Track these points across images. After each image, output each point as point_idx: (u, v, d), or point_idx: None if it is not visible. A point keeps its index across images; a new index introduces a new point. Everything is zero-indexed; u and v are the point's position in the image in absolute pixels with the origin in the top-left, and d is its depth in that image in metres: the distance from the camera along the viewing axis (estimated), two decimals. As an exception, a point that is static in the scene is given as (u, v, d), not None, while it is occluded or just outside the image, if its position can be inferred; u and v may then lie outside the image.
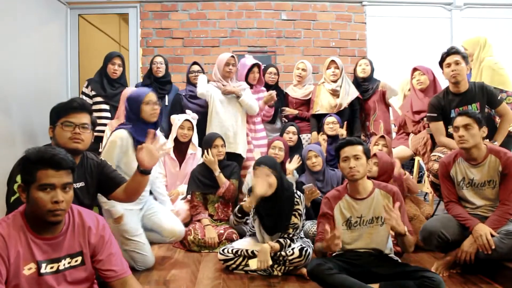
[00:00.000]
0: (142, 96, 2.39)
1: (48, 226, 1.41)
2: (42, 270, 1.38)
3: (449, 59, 2.72)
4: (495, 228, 2.15)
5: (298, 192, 2.47)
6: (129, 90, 3.23)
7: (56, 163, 1.37)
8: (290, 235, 2.37)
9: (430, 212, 2.90)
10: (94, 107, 3.32)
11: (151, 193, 2.81)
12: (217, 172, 2.91)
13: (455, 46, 2.89)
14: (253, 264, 2.27)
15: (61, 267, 1.43)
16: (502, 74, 3.08)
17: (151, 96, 2.43)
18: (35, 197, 1.35)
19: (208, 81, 3.46)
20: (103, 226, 1.55)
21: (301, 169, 3.23)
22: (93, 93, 3.39)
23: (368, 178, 2.57)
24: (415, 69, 3.23)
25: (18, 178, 1.66)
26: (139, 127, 2.38)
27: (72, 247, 1.46)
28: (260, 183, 2.32)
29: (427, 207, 2.94)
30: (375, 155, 2.76)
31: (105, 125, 3.29)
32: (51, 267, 1.40)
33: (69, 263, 1.45)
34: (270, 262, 2.24)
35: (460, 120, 2.31)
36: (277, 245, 2.28)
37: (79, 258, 1.48)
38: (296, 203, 2.41)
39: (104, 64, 3.42)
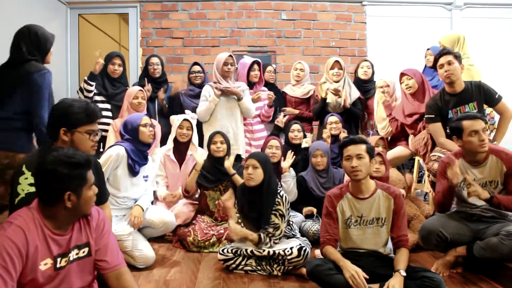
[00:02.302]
0: (138, 120, 2.64)
1: (71, 221, 1.46)
2: (58, 265, 1.41)
3: (441, 60, 2.72)
4: (503, 201, 2.13)
5: (282, 192, 2.47)
6: (133, 89, 3.24)
7: (91, 163, 1.48)
8: (270, 235, 2.37)
9: (430, 212, 2.90)
10: None
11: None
12: (232, 172, 2.88)
13: (447, 47, 2.88)
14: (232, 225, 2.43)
15: (71, 259, 1.46)
16: (478, 76, 3.16)
17: (147, 119, 2.67)
18: (88, 196, 1.46)
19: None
20: (102, 218, 1.59)
21: (302, 167, 3.26)
22: (95, 91, 3.39)
23: (373, 178, 2.58)
24: (402, 74, 3.21)
25: (22, 180, 1.67)
26: (137, 148, 2.61)
27: (79, 238, 1.49)
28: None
29: (426, 207, 2.94)
30: (379, 154, 2.75)
31: (105, 123, 3.31)
32: (65, 261, 1.44)
33: (77, 254, 1.48)
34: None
35: (478, 124, 2.23)
36: (255, 237, 2.35)
37: (86, 249, 1.51)
38: (277, 203, 2.41)
39: (105, 64, 3.43)
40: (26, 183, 1.66)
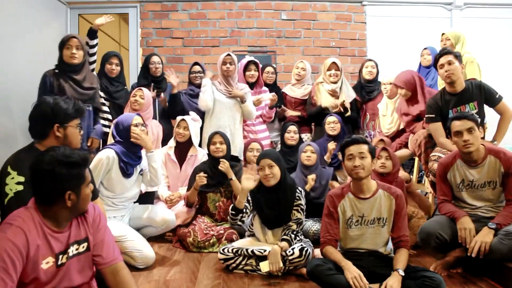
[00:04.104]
0: (130, 120, 2.60)
1: (70, 218, 1.47)
2: (59, 262, 1.42)
3: (442, 60, 2.73)
4: (506, 224, 2.15)
5: (299, 188, 2.49)
6: (146, 91, 3.25)
7: (87, 162, 1.51)
8: (295, 232, 2.39)
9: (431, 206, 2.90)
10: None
11: (136, 201, 2.83)
12: (233, 177, 2.88)
13: (447, 46, 2.86)
14: (264, 267, 2.27)
15: (70, 254, 1.46)
16: (479, 69, 3.22)
17: (138, 119, 2.65)
18: (86, 195, 1.47)
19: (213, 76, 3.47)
20: (98, 212, 1.60)
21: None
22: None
23: (382, 174, 2.57)
24: (395, 85, 3.25)
25: (8, 180, 1.68)
26: (129, 150, 2.58)
27: (78, 233, 1.50)
28: (245, 178, 2.39)
29: (427, 201, 2.92)
30: (385, 149, 2.77)
31: (103, 118, 3.32)
32: (66, 257, 1.45)
33: (76, 249, 1.49)
34: (281, 264, 2.24)
35: (461, 124, 2.27)
36: (286, 244, 2.30)
37: (85, 244, 1.52)
38: (297, 198, 2.44)
39: (102, 64, 3.42)
40: (13, 183, 1.68)
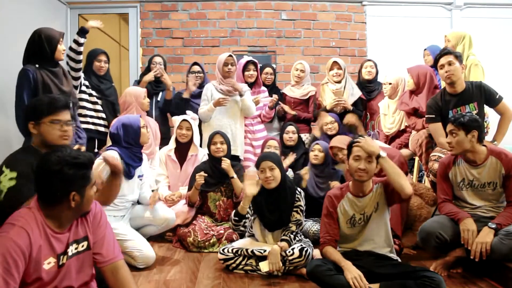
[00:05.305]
0: (138, 123, 2.60)
1: (73, 220, 1.47)
2: (60, 262, 1.42)
3: (442, 60, 2.72)
4: (506, 224, 2.15)
5: (299, 189, 2.50)
6: (139, 89, 3.24)
7: (93, 163, 1.51)
8: (294, 232, 2.39)
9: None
10: (87, 104, 3.30)
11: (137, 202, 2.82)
12: (234, 175, 2.88)
13: (448, 47, 2.86)
14: (264, 266, 2.27)
15: (70, 254, 1.46)
16: (483, 72, 3.20)
17: (142, 120, 2.67)
18: (90, 196, 1.47)
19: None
20: (99, 209, 1.60)
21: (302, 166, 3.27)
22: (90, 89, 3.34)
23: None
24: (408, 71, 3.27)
25: (2, 178, 1.69)
26: (131, 151, 2.57)
27: (77, 232, 1.50)
28: (248, 184, 2.39)
29: (430, 192, 2.91)
30: None
31: (98, 117, 3.30)
32: (66, 257, 1.45)
33: (75, 248, 1.48)
34: (281, 264, 2.25)
35: (447, 126, 2.34)
36: (285, 244, 2.30)
37: (85, 243, 1.51)
38: (297, 199, 2.45)
39: (89, 62, 3.36)
40: (6, 179, 1.69)
